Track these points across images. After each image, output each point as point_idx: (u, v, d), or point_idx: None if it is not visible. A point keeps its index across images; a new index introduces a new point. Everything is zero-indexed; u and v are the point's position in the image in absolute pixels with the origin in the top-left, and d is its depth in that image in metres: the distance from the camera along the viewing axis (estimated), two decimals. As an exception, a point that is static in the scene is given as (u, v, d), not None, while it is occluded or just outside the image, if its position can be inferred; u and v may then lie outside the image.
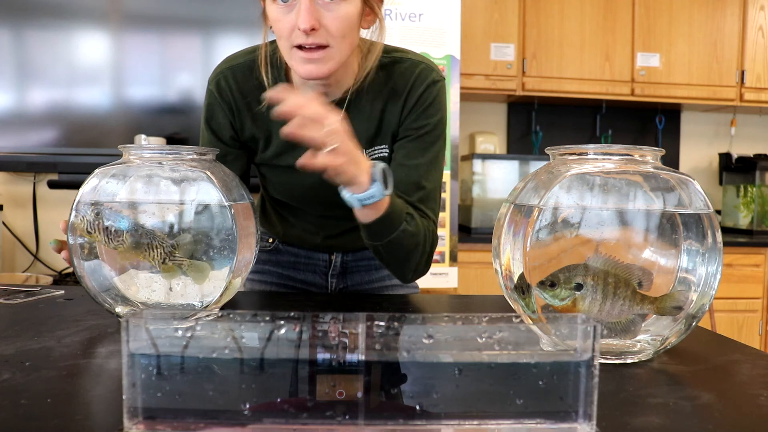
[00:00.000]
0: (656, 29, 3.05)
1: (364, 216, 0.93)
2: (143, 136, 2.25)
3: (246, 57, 1.08)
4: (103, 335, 0.77)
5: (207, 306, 0.84)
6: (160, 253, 0.80)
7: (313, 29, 0.91)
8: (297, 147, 1.08)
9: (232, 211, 0.81)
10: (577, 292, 0.65)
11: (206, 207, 0.82)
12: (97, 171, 0.83)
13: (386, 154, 1.09)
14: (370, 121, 1.07)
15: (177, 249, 0.80)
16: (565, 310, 0.66)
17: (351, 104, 1.06)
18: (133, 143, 2.04)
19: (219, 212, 0.81)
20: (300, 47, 0.93)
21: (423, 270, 1.08)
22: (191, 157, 0.84)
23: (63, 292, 1.04)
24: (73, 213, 0.81)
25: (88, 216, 0.80)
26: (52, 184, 2.31)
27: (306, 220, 1.16)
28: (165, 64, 2.43)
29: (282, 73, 1.06)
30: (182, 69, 2.41)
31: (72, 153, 2.27)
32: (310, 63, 0.94)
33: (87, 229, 0.80)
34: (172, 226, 0.81)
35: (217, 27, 2.44)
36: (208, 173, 0.83)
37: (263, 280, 1.23)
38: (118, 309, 0.84)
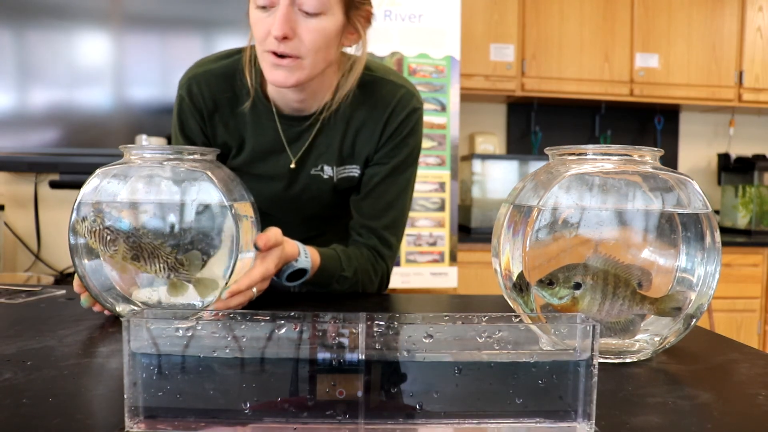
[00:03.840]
0: (655, 30, 3.05)
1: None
2: (144, 136, 2.25)
3: (218, 63, 1.07)
4: (105, 335, 0.77)
5: (207, 306, 0.84)
6: (163, 267, 0.80)
7: (286, 38, 0.90)
8: (268, 156, 1.08)
9: (233, 210, 0.82)
10: (576, 291, 0.66)
11: (207, 207, 0.82)
12: (98, 171, 0.83)
13: (356, 175, 1.09)
14: (344, 140, 1.07)
15: (185, 265, 0.80)
16: (563, 309, 0.66)
17: (326, 120, 1.06)
18: (134, 143, 2.05)
19: (220, 212, 0.81)
20: (272, 53, 0.93)
21: (376, 291, 1.14)
22: (192, 157, 0.84)
23: (64, 291, 1.04)
24: (74, 215, 0.81)
25: (88, 224, 0.79)
26: (54, 184, 2.31)
27: (274, 225, 1.16)
28: (166, 65, 2.43)
29: (258, 83, 1.05)
30: (183, 69, 2.41)
31: (73, 153, 2.27)
32: (279, 69, 0.93)
33: (86, 236, 0.80)
34: (172, 227, 0.81)
35: (217, 27, 2.44)
36: (209, 173, 0.83)
37: None
38: (119, 308, 0.84)
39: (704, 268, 0.68)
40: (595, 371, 0.46)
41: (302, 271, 0.98)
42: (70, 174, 2.25)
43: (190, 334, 0.46)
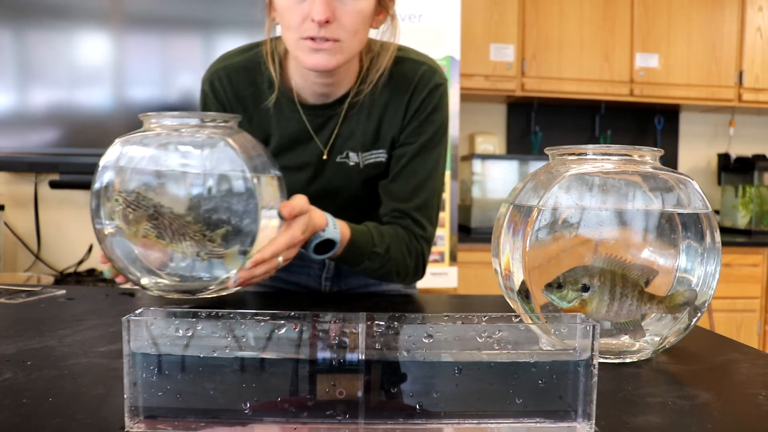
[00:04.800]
0: (655, 30, 3.05)
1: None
2: (143, 137, 2.25)
3: (240, 56, 1.06)
4: (105, 335, 0.77)
5: (224, 281, 0.82)
6: (191, 245, 0.77)
7: (327, 21, 0.89)
8: (294, 147, 1.08)
9: (255, 178, 0.79)
10: (584, 294, 0.66)
11: (227, 176, 0.79)
12: (117, 141, 0.81)
13: (383, 159, 1.08)
14: (369, 124, 1.06)
15: (213, 241, 0.78)
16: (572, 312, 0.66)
17: (351, 105, 1.05)
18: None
19: (241, 180, 0.79)
20: (308, 38, 0.91)
21: (413, 279, 1.10)
22: (213, 124, 0.81)
23: (64, 291, 1.04)
24: (96, 186, 0.79)
25: (111, 204, 0.77)
26: (54, 184, 2.31)
27: None
28: (166, 65, 2.43)
29: (278, 74, 1.04)
30: (183, 69, 2.41)
31: (73, 153, 2.27)
32: (319, 53, 0.92)
33: (110, 216, 0.78)
34: (192, 198, 0.78)
35: (217, 27, 2.44)
36: (229, 140, 0.80)
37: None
38: (144, 281, 0.82)
39: (704, 268, 0.68)
40: (595, 371, 0.46)
41: (331, 244, 0.96)
42: (70, 174, 2.25)
43: (190, 334, 0.46)
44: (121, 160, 0.79)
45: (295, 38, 0.93)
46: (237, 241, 0.80)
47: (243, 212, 0.79)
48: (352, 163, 1.07)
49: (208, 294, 0.85)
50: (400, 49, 1.07)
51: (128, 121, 2.32)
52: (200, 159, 0.80)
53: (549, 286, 0.66)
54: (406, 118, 1.05)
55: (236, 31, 2.40)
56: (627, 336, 0.68)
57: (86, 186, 2.26)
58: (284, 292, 1.19)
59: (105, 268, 0.85)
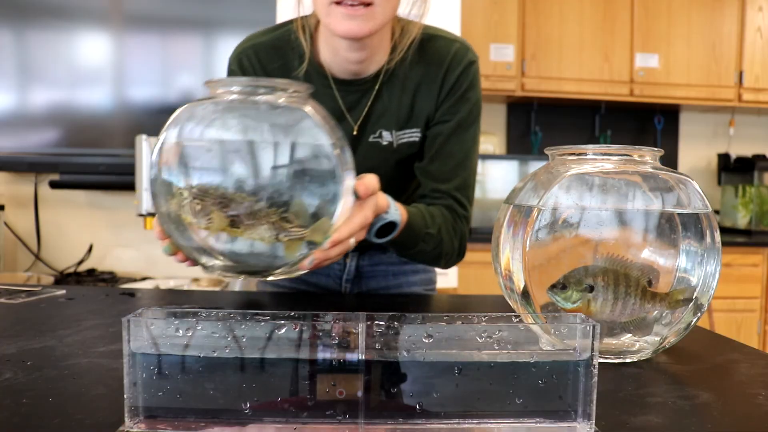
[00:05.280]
0: (655, 30, 3.05)
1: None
2: (144, 136, 2.25)
3: (268, 35, 1.04)
4: (105, 335, 0.77)
5: (294, 264, 0.76)
6: (267, 229, 0.69)
7: None
8: None
9: (336, 152, 0.71)
10: (589, 294, 0.66)
11: (310, 149, 0.72)
12: (180, 112, 0.71)
13: (417, 139, 1.05)
14: (402, 102, 1.04)
15: (292, 221, 0.70)
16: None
17: (383, 82, 1.03)
18: (134, 144, 2.04)
19: (324, 157, 0.71)
20: (340, 3, 0.89)
21: (456, 260, 1.09)
22: (288, 92, 0.72)
23: (64, 291, 1.05)
24: (153, 171, 0.71)
25: (177, 200, 0.69)
26: (54, 184, 2.31)
27: None
28: (166, 65, 2.43)
29: (308, 47, 1.01)
30: (183, 69, 2.41)
31: (73, 153, 2.27)
32: (351, 20, 0.89)
33: (177, 212, 0.71)
34: (272, 178, 0.69)
35: (217, 27, 2.44)
36: (310, 109, 0.72)
37: (273, 282, 1.19)
38: (203, 260, 0.76)
39: (704, 268, 0.68)
40: (595, 371, 0.46)
41: (391, 227, 0.92)
42: (70, 174, 2.25)
43: (190, 334, 0.46)
44: (185, 133, 0.70)
45: (326, 3, 0.90)
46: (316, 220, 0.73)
47: (325, 189, 0.71)
48: (385, 143, 1.05)
49: (275, 277, 0.79)
50: (431, 27, 1.06)
51: (128, 121, 2.32)
52: (279, 131, 0.70)
53: (553, 287, 0.66)
54: (441, 95, 1.04)
55: (236, 31, 2.40)
56: (630, 334, 0.68)
57: (86, 186, 2.26)
58: (304, 293, 1.17)
59: (164, 245, 0.79)
